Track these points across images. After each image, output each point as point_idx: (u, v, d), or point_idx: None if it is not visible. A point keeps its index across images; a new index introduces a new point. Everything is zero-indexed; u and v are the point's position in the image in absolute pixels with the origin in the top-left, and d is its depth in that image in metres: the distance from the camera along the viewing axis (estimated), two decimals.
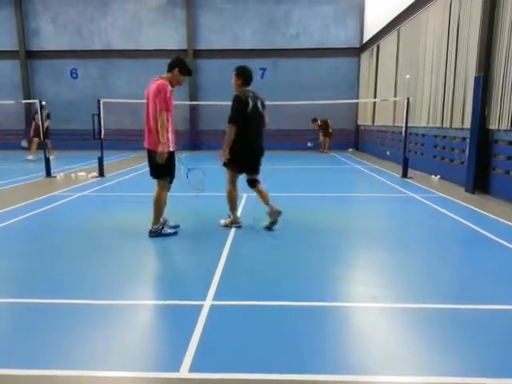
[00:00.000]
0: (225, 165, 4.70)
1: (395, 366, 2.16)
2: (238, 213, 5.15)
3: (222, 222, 4.87)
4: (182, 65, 4.38)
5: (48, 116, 12.02)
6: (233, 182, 4.76)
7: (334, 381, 2.03)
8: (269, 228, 4.65)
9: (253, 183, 4.75)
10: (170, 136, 4.23)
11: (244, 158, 4.62)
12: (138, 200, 6.56)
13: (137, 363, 2.19)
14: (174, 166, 4.43)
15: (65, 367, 2.14)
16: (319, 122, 15.22)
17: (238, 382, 2.03)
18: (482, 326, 2.57)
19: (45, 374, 2.09)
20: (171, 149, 4.27)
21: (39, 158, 9.98)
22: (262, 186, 4.81)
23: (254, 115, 4.52)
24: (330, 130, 15.29)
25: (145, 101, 4.37)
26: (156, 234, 4.41)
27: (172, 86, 4.35)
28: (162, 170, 4.26)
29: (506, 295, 3.00)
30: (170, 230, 4.50)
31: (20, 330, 2.54)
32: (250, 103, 4.46)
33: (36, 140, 12.07)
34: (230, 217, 4.84)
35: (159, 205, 4.36)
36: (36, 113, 11.92)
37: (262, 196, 4.75)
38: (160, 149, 4.10)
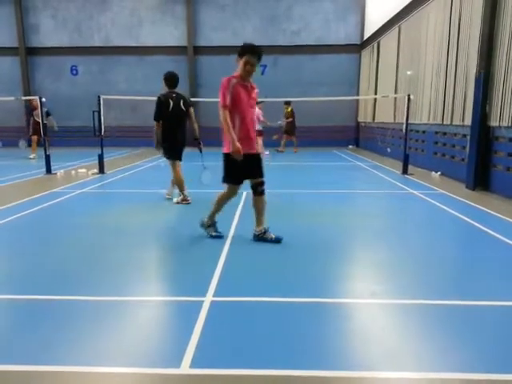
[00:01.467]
0: (165, 155, 5.89)
1: (395, 362, 2.16)
2: (239, 207, 5.14)
3: (174, 200, 5.89)
4: (240, 49, 4.07)
5: (48, 113, 12.03)
6: (174, 168, 5.81)
7: (334, 377, 2.04)
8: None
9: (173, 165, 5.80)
10: (235, 136, 3.98)
11: (173, 148, 5.74)
12: (138, 197, 6.56)
13: (138, 359, 2.19)
14: (240, 170, 4.08)
15: (66, 363, 2.14)
16: (290, 108, 13.68)
17: (239, 377, 2.03)
18: (482, 322, 2.57)
19: (47, 369, 2.10)
20: (232, 151, 4.01)
21: (40, 155, 9.97)
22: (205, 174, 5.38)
23: (177, 113, 5.57)
24: (295, 124, 13.82)
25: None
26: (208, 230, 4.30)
27: (243, 78, 3.96)
28: (226, 173, 4.15)
29: (507, 291, 2.99)
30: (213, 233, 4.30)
31: (22, 327, 2.54)
32: (171, 103, 5.50)
33: (35, 138, 12.08)
34: (180, 196, 5.82)
35: (219, 204, 4.24)
36: (33, 109, 11.94)
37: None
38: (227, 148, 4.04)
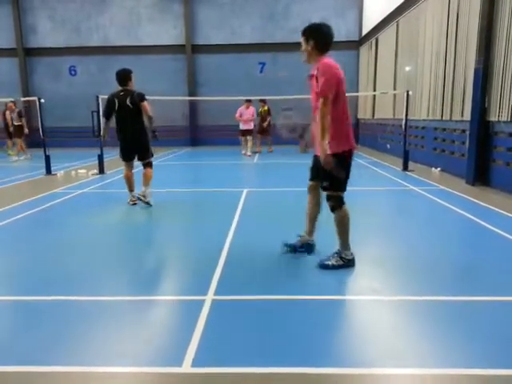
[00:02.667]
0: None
1: (397, 359, 2.16)
2: (240, 206, 5.16)
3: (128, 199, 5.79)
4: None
5: (20, 114, 12.31)
6: (126, 167, 5.75)
7: (336, 374, 2.04)
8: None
9: (148, 165, 5.68)
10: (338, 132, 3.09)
11: (122, 148, 5.61)
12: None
13: (139, 358, 2.20)
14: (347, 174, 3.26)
15: (67, 364, 2.15)
16: (267, 107, 13.00)
17: (240, 376, 2.04)
18: (484, 318, 2.58)
19: (48, 370, 2.10)
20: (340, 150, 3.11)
21: (40, 156, 9.95)
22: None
23: (124, 113, 5.41)
24: (270, 123, 12.96)
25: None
26: (343, 264, 3.30)
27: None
28: (338, 179, 3.12)
29: (508, 286, 3.00)
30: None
31: (22, 328, 2.55)
32: (117, 103, 5.39)
33: (19, 140, 12.38)
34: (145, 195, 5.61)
35: (345, 226, 3.29)
36: (11, 111, 12.19)
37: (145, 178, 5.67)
38: (320, 154, 3.04)
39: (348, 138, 3.20)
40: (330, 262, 3.37)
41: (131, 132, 5.46)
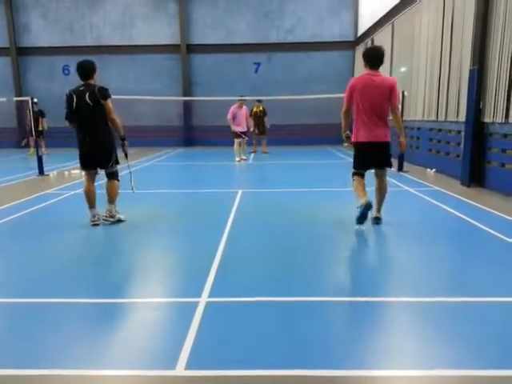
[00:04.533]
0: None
1: (395, 360, 2.15)
2: (234, 208, 5.12)
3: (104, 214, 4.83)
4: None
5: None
6: (86, 179, 4.81)
7: (333, 376, 2.01)
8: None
9: (108, 176, 4.81)
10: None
11: (81, 154, 4.71)
12: (132, 197, 6.49)
13: (133, 361, 2.16)
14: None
15: (60, 366, 2.11)
16: (262, 106, 12.76)
17: (234, 378, 2.00)
18: (480, 319, 2.56)
19: (41, 373, 2.06)
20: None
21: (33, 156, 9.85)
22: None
23: (83, 110, 4.51)
24: (267, 125, 12.92)
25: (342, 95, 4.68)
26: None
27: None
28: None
29: (503, 287, 2.99)
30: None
31: (15, 330, 2.50)
32: (75, 99, 4.52)
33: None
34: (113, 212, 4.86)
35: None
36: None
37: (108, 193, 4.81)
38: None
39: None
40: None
41: (90, 135, 4.55)
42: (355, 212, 4.36)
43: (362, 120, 4.38)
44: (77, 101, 4.53)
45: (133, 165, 5.19)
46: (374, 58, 4.43)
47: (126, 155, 4.85)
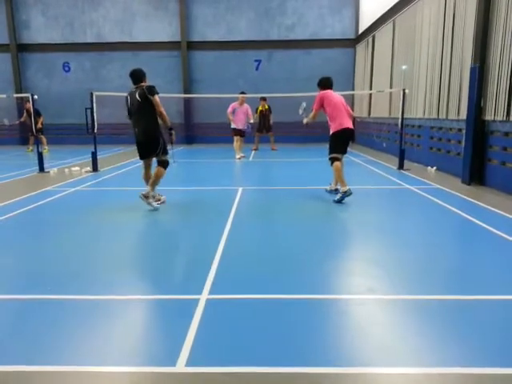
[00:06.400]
0: None
1: (394, 358, 2.14)
2: (234, 205, 5.12)
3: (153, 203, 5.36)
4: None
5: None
6: (142, 166, 5.65)
7: (331, 373, 2.01)
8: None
9: (158, 163, 5.39)
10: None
11: (136, 144, 5.42)
12: (132, 195, 6.49)
13: (133, 358, 2.16)
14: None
15: (61, 363, 2.11)
16: (267, 104, 12.75)
17: (235, 375, 2.00)
18: (480, 317, 2.56)
19: (41, 370, 2.06)
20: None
21: (33, 153, 9.84)
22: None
23: (134, 107, 5.25)
24: (271, 122, 12.88)
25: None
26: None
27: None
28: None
29: (503, 285, 2.99)
30: None
31: (15, 327, 2.50)
32: (129, 99, 5.34)
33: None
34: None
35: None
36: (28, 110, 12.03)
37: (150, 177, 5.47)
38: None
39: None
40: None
41: (140, 126, 5.25)
42: (334, 195, 5.75)
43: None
44: (130, 100, 5.31)
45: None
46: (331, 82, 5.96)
47: (171, 143, 5.45)
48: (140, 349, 2.26)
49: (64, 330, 2.44)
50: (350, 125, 5.77)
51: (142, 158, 5.53)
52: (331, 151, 5.80)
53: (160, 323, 2.58)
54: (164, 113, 5.18)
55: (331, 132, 5.82)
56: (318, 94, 5.90)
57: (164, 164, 5.34)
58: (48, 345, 2.28)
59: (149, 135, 5.27)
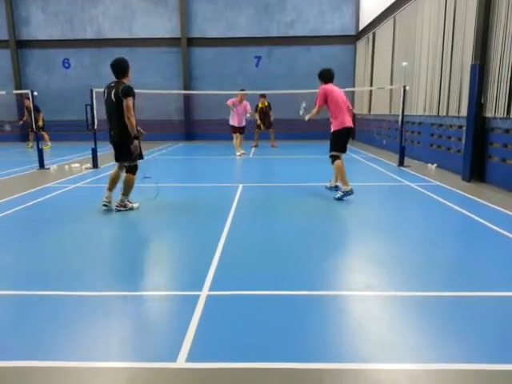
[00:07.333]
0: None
1: (393, 354, 2.15)
2: (235, 202, 5.12)
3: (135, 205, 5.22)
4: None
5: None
6: (117, 165, 5.21)
7: (331, 369, 2.02)
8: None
9: (127, 169, 5.09)
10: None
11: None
12: (133, 191, 6.49)
13: (134, 353, 2.17)
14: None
15: (61, 359, 2.11)
16: (267, 101, 12.67)
17: (235, 371, 2.01)
18: (480, 313, 2.57)
19: (41, 365, 2.07)
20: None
21: (33, 149, 9.83)
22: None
23: (109, 106, 4.87)
24: (272, 119, 12.85)
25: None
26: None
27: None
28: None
29: (503, 282, 2.99)
30: None
31: (15, 322, 2.51)
32: (105, 94, 4.90)
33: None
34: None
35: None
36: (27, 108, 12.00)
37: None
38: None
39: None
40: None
41: (114, 128, 4.85)
42: (334, 192, 5.84)
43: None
44: (106, 96, 4.88)
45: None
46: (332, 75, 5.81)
47: (139, 153, 4.97)
48: (141, 344, 2.26)
49: (64, 325, 2.44)
50: (350, 123, 5.71)
51: (116, 161, 5.11)
52: (332, 149, 5.75)
53: (161, 319, 2.59)
54: (132, 119, 4.69)
55: (333, 130, 5.73)
56: (320, 88, 5.73)
57: (133, 170, 5.05)
58: (48, 340, 2.29)
59: (121, 141, 4.86)
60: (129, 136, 4.81)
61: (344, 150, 5.77)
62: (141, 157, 5.07)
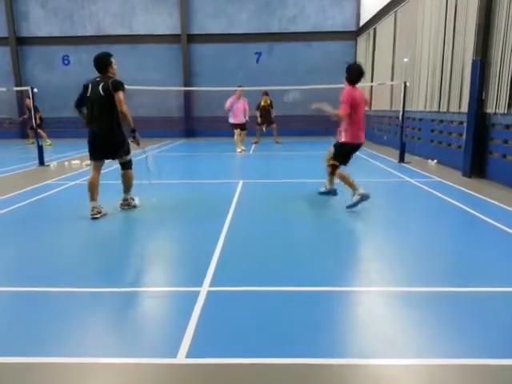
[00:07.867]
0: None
1: (395, 349, 2.15)
2: (235, 198, 5.12)
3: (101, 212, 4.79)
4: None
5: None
6: (92, 169, 4.79)
7: (332, 364, 2.02)
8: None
9: (122, 166, 4.90)
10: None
11: (89, 144, 4.71)
12: (134, 188, 6.48)
13: (134, 349, 2.18)
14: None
15: (62, 355, 2.12)
16: (269, 99, 12.52)
17: (235, 366, 2.02)
18: (480, 309, 2.57)
19: (43, 361, 2.07)
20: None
21: (33, 146, 9.83)
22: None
23: (95, 100, 4.57)
24: (272, 115, 12.76)
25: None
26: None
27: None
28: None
29: (503, 277, 2.99)
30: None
31: (16, 319, 2.51)
32: (90, 88, 4.62)
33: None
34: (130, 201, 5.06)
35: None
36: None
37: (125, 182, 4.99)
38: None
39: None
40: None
41: (99, 125, 4.59)
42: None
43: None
44: (91, 90, 4.61)
45: (134, 154, 5.11)
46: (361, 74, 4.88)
47: (137, 144, 4.82)
48: (141, 340, 2.27)
49: (64, 322, 2.44)
50: (363, 139, 5.08)
51: (96, 158, 4.75)
52: (335, 158, 5.09)
53: (161, 315, 2.59)
54: (127, 112, 4.54)
55: (343, 140, 4.95)
56: (345, 90, 4.85)
57: (130, 164, 4.92)
58: (47, 337, 2.29)
59: (109, 136, 4.63)
60: (120, 130, 4.67)
61: (346, 164, 5.17)
62: (129, 151, 4.89)
